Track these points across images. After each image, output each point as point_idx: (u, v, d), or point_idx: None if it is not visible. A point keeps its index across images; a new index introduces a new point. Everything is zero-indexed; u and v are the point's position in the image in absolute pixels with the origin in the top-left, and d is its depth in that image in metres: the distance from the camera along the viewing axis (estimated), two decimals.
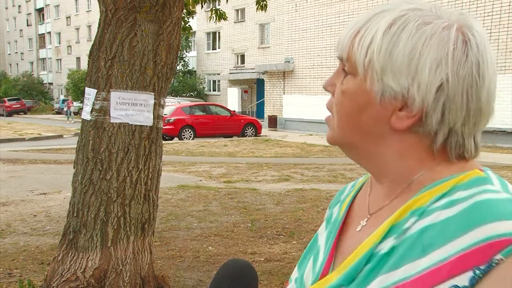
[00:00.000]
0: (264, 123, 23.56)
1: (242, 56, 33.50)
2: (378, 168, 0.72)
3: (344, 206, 0.83)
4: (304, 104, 23.14)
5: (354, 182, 0.88)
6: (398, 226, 0.66)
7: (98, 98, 3.13)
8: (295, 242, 5.11)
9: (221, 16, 7.77)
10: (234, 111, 22.33)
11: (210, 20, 8.15)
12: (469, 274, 0.56)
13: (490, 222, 0.57)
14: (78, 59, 50.65)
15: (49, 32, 57.12)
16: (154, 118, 3.23)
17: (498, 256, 0.55)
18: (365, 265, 0.67)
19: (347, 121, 0.70)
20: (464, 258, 0.57)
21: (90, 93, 3.17)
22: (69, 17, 52.64)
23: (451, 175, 0.66)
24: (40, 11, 59.16)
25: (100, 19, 3.19)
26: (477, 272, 0.56)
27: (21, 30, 62.13)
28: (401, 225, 0.66)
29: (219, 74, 35.02)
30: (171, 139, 17.81)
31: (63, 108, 39.12)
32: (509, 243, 0.55)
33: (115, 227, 3.13)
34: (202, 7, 8.52)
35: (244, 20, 32.53)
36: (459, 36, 0.64)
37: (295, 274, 0.84)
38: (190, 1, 6.94)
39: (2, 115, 36.91)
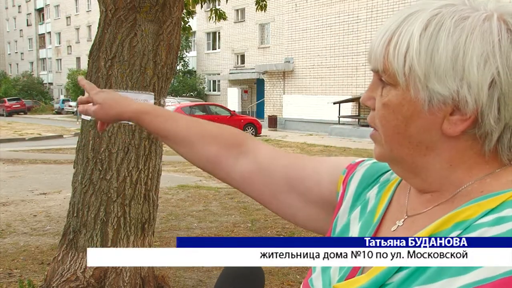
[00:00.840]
0: (264, 123, 23.56)
1: (242, 56, 33.50)
2: (424, 180, 0.69)
3: (384, 199, 0.78)
4: (304, 104, 23.14)
5: None
6: (439, 235, 0.63)
7: None
8: None
9: (221, 16, 7.78)
10: (234, 111, 22.35)
11: (210, 20, 8.15)
12: None
13: None
14: (78, 59, 50.65)
15: (49, 32, 57.13)
16: None
17: None
18: (397, 272, 0.64)
19: (394, 135, 0.66)
20: (511, 282, 0.53)
21: None
22: (69, 17, 52.64)
23: (501, 190, 0.62)
24: (40, 11, 59.16)
25: (100, 19, 3.19)
26: None
27: (21, 30, 62.13)
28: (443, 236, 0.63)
29: (219, 74, 35.02)
30: None
31: (63, 108, 39.15)
32: None
33: (115, 227, 3.13)
34: (202, 7, 8.53)
35: (244, 20, 32.53)
36: (501, 26, 0.60)
37: None
38: (190, 1, 6.94)
39: (2, 115, 36.88)
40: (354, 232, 0.79)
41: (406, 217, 0.72)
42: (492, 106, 0.60)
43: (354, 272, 0.72)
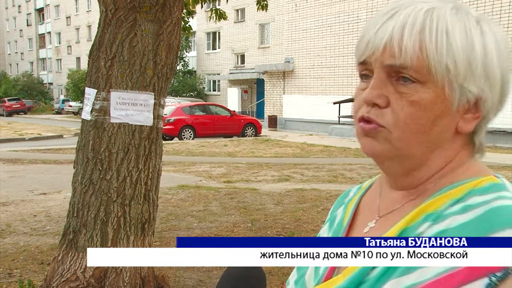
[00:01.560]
0: (264, 123, 23.55)
1: (242, 56, 33.49)
2: (415, 177, 0.69)
3: (349, 208, 0.81)
4: (304, 104, 23.13)
5: (360, 185, 0.86)
6: (411, 230, 0.65)
7: (98, 98, 3.13)
8: None
9: (221, 16, 7.78)
10: (234, 111, 22.33)
11: (210, 20, 8.15)
12: (485, 281, 0.55)
13: (507, 229, 0.56)
14: (78, 59, 50.64)
15: (49, 32, 57.10)
16: (154, 118, 3.23)
17: None
18: (374, 268, 0.66)
19: (417, 133, 0.64)
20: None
21: (90, 93, 3.17)
22: (69, 17, 52.62)
23: (467, 179, 0.65)
24: (40, 11, 59.14)
25: (100, 19, 3.19)
26: (493, 279, 0.55)
27: (21, 30, 62.11)
28: (414, 229, 0.65)
29: (219, 74, 35.01)
30: (171, 139, 17.81)
31: (63, 108, 39.18)
32: None
33: (115, 227, 3.13)
34: (202, 7, 8.52)
35: (244, 20, 32.52)
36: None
37: (293, 277, 0.83)
38: (190, 1, 6.94)
39: (2, 115, 36.89)
40: None
41: (378, 218, 0.73)
42: (497, 103, 0.65)
43: (329, 274, 0.73)
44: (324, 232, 0.84)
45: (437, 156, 0.67)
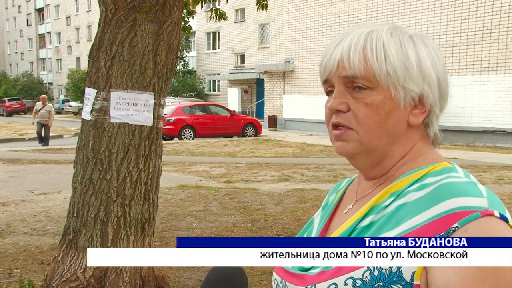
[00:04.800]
0: (264, 123, 23.54)
1: (242, 56, 33.47)
2: (383, 167, 0.84)
3: (338, 194, 0.97)
4: (304, 104, 23.12)
5: (349, 178, 1.02)
6: (379, 205, 0.79)
7: (98, 98, 3.13)
8: None
9: (221, 16, 7.77)
10: (234, 111, 22.32)
11: (210, 20, 8.15)
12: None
13: (450, 199, 0.70)
14: (78, 59, 50.61)
15: (49, 32, 57.07)
16: (154, 118, 3.23)
17: (455, 225, 0.67)
18: (348, 236, 0.79)
19: (375, 129, 0.79)
20: (428, 227, 0.69)
21: (90, 93, 3.17)
22: (69, 17, 52.59)
23: (425, 165, 0.80)
24: (40, 11, 59.11)
25: (100, 19, 3.19)
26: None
27: (21, 30, 62.07)
28: (381, 204, 0.79)
29: (219, 74, 34.99)
30: (171, 139, 17.80)
31: (63, 108, 39.17)
32: (464, 215, 0.68)
33: (115, 227, 3.13)
34: (202, 7, 8.52)
35: (244, 20, 32.50)
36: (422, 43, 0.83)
37: None
38: (190, 1, 6.94)
39: (2, 115, 36.86)
40: (316, 222, 0.96)
41: (355, 201, 0.88)
42: (437, 99, 0.81)
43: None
44: (317, 214, 0.99)
45: (396, 148, 0.82)
